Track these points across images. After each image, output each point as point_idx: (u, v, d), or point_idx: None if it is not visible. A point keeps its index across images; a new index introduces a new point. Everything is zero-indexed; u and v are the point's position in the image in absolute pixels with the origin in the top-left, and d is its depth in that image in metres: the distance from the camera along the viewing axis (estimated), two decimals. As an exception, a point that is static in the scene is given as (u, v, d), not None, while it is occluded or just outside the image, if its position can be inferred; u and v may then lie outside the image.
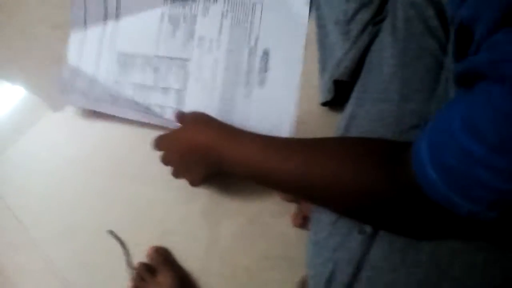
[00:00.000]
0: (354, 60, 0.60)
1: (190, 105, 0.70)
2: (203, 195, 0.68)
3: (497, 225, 0.38)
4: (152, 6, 0.72)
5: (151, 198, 0.68)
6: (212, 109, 0.69)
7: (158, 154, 0.60)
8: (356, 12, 0.61)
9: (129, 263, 0.68)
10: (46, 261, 0.70)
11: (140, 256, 0.68)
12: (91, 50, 0.73)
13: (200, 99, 0.70)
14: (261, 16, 0.70)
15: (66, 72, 0.72)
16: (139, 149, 0.66)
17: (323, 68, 0.66)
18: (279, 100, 0.68)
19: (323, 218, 0.54)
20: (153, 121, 0.69)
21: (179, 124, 0.62)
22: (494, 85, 0.32)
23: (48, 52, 0.74)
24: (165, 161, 0.61)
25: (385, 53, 0.56)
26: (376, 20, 0.60)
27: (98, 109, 0.70)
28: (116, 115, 0.69)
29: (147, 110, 0.70)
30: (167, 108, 0.70)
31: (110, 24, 0.72)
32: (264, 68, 0.69)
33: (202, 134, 0.57)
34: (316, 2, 0.68)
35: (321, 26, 0.67)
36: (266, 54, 0.69)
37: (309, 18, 0.69)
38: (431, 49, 0.53)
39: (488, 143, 0.32)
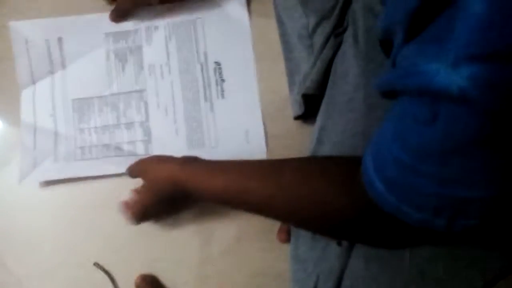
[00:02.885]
0: (319, 73, 0.60)
1: (157, 133, 0.70)
2: (187, 220, 0.68)
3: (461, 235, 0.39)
4: (95, 47, 0.72)
5: (134, 226, 0.67)
6: (180, 131, 0.69)
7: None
8: (317, 25, 0.62)
9: None
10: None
11: (129, 286, 0.67)
12: (45, 106, 0.71)
13: (165, 125, 0.70)
14: (203, 31, 0.71)
15: (26, 137, 0.70)
16: (118, 179, 0.65)
17: (291, 82, 0.67)
18: (243, 107, 0.69)
19: (301, 232, 0.55)
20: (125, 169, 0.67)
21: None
22: (405, 98, 0.34)
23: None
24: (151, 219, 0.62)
25: (349, 63, 0.56)
26: (338, 31, 0.61)
27: (70, 174, 0.68)
28: (91, 174, 0.68)
29: (117, 151, 0.70)
30: (136, 142, 0.70)
31: (58, 75, 0.72)
32: (220, 79, 0.70)
33: (165, 172, 0.55)
34: (279, 19, 0.68)
35: (285, 42, 0.67)
36: (218, 65, 0.70)
37: (250, 20, 0.70)
38: None
39: (412, 150, 0.33)
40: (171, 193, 0.56)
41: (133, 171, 0.61)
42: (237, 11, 0.71)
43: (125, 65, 0.71)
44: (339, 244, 0.51)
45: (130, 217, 0.59)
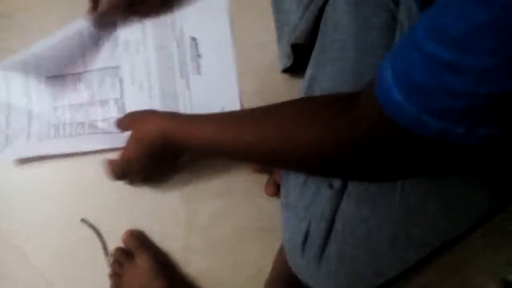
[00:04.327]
0: (309, 22, 0.59)
1: (132, 110, 0.68)
2: (175, 176, 0.68)
3: (464, 153, 0.37)
4: (68, 25, 0.70)
5: (122, 183, 0.66)
6: (155, 107, 0.67)
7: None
8: None
9: (105, 249, 0.66)
10: (18, 255, 0.67)
11: (117, 241, 0.66)
12: (18, 84, 0.70)
13: (141, 102, 0.68)
14: (179, 6, 0.70)
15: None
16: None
17: (280, 35, 0.66)
18: (219, 83, 0.68)
19: (291, 180, 0.54)
20: (100, 146, 0.66)
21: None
22: None
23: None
24: (132, 175, 0.62)
25: (340, 12, 0.55)
26: None
27: (43, 152, 0.67)
28: (64, 152, 0.67)
29: (91, 128, 0.68)
30: (111, 120, 0.68)
31: (31, 53, 0.70)
32: (196, 55, 0.69)
33: (154, 124, 0.55)
34: None
35: None
36: (194, 40, 0.69)
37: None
38: (385, 4, 0.53)
39: (455, 41, 0.29)
40: (159, 146, 0.55)
41: (122, 123, 0.62)
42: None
43: (99, 42, 0.70)
44: (330, 187, 0.50)
45: (111, 171, 0.59)
